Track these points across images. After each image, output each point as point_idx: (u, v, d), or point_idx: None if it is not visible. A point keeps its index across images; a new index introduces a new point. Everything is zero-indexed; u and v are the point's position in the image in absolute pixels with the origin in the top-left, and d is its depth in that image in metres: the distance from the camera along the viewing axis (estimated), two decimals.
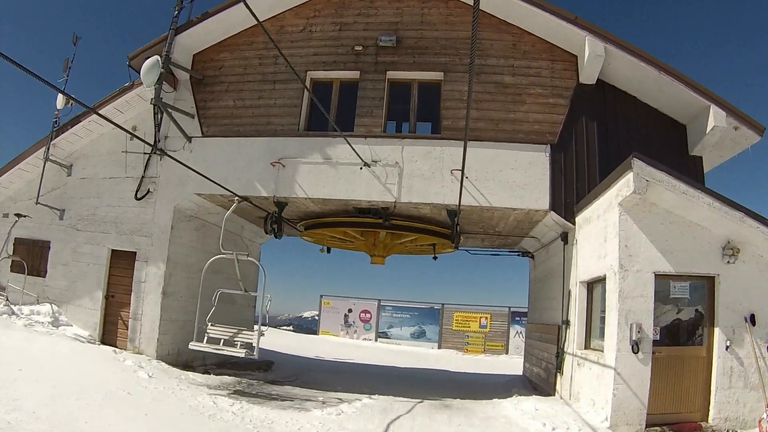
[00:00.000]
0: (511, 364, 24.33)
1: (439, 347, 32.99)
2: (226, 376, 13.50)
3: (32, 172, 15.98)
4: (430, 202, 12.88)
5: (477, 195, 12.57)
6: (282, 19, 14.67)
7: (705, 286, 9.79)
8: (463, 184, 11.59)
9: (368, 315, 35.01)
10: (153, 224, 14.33)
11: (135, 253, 14.43)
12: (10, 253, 15.89)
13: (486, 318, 32.96)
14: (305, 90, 13.55)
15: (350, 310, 35.32)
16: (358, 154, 12.63)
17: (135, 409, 8.37)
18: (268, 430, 8.64)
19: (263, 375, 15.18)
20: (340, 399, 11.67)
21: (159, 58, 13.20)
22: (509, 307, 32.92)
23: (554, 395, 12.78)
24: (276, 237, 14.41)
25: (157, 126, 14.02)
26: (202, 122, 14.41)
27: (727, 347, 9.36)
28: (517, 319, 31.85)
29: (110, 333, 14.49)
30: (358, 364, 21.75)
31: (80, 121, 15.28)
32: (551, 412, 10.39)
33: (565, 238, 13.12)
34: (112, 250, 14.77)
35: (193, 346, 11.35)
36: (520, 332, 30.68)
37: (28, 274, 15.44)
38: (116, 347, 13.83)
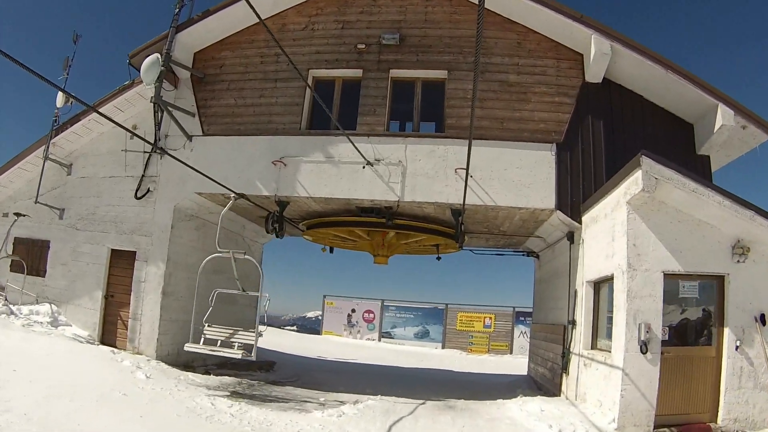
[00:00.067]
0: (516, 364, 24.15)
1: (443, 347, 32.86)
2: (226, 377, 13.34)
3: (32, 171, 15.91)
4: (434, 202, 12.72)
5: (482, 194, 12.43)
6: (284, 17, 14.54)
7: (714, 285, 9.64)
8: (468, 183, 11.41)
9: (371, 315, 34.90)
10: (153, 224, 14.22)
11: (135, 252, 14.31)
12: (10, 252, 15.82)
13: (490, 318, 32.81)
14: (307, 88, 13.43)
15: (353, 310, 35.21)
16: (360, 153, 12.49)
17: (131, 410, 8.22)
18: None
19: (264, 375, 15.03)
20: (342, 400, 11.51)
21: (159, 56, 13.12)
22: (513, 307, 32.82)
23: (560, 396, 12.63)
24: (277, 237, 14.29)
25: (158, 125, 13.92)
26: (203, 121, 14.29)
27: (737, 347, 9.22)
28: (522, 319, 31.70)
29: (110, 333, 14.38)
30: (360, 365, 21.63)
31: (80, 120, 15.20)
32: (557, 413, 10.23)
33: (571, 237, 12.98)
34: (112, 250, 14.67)
35: (189, 347, 11.10)
36: (525, 332, 30.53)
37: (27, 274, 15.35)
38: (116, 347, 13.72)
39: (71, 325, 14.37)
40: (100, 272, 14.62)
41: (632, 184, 9.36)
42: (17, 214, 15.61)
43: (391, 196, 12.78)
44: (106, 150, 15.23)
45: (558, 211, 12.43)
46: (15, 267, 15.71)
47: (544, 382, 14.81)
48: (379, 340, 34.07)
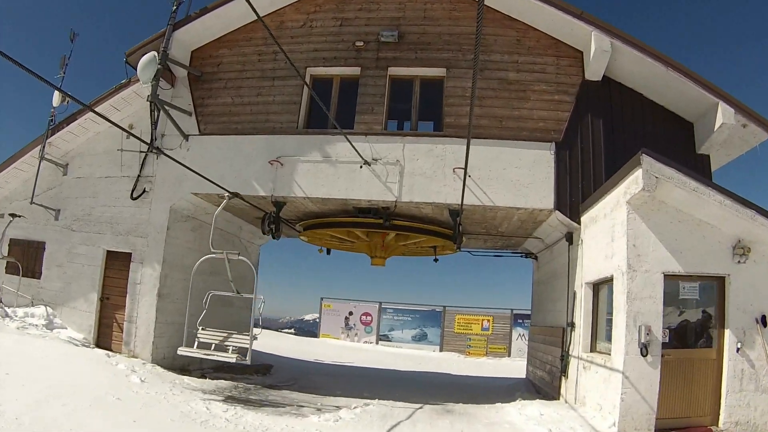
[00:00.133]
0: (514, 367, 24.04)
1: (441, 350, 32.78)
2: (222, 381, 13.21)
3: (28, 171, 15.75)
4: (431, 202, 12.61)
5: (480, 194, 12.31)
6: (282, 14, 14.44)
7: (715, 286, 9.52)
8: (466, 182, 11.25)
9: (369, 318, 34.78)
10: (149, 224, 14.09)
11: (130, 254, 14.16)
12: (5, 254, 15.64)
13: (488, 320, 32.72)
14: (305, 86, 13.31)
15: (351, 313, 35.10)
16: (358, 152, 12.37)
17: (124, 415, 8.09)
18: None
19: (261, 379, 14.92)
20: (339, 404, 11.38)
21: (156, 54, 12.97)
22: (512, 310, 32.69)
23: (559, 399, 12.50)
24: (274, 238, 14.15)
25: (154, 124, 13.81)
26: (200, 120, 14.17)
27: (738, 349, 9.10)
28: (520, 321, 31.62)
29: (105, 336, 14.23)
30: (358, 368, 21.54)
31: (76, 119, 15.06)
32: (556, 417, 10.11)
33: (570, 238, 12.87)
34: (108, 251, 14.54)
35: (182, 351, 10.88)
36: (523, 335, 30.46)
37: (22, 276, 15.23)
38: (111, 350, 13.58)
39: (66, 328, 14.22)
40: (95, 274, 14.48)
41: (632, 183, 9.23)
42: (12, 215, 15.42)
43: (389, 196, 12.66)
44: (103, 150, 15.09)
45: (557, 212, 12.31)
46: (10, 269, 15.56)
47: (542, 385, 14.68)
48: (377, 343, 33.95)
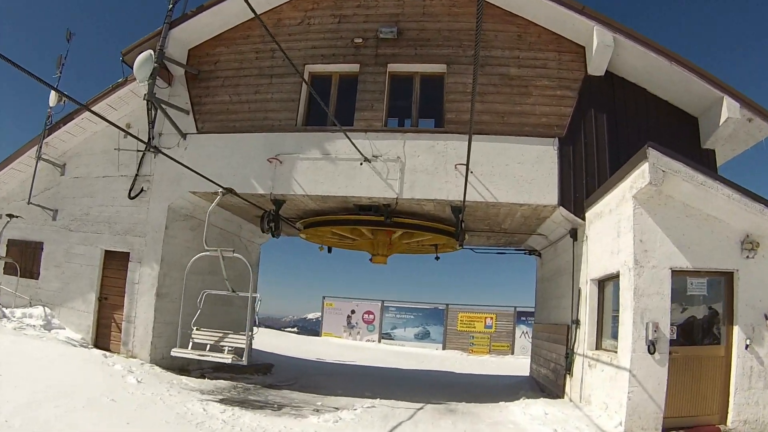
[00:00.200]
0: (517, 364, 23.92)
1: (444, 348, 32.65)
2: (221, 381, 13.07)
3: (25, 171, 15.70)
4: (433, 199, 12.46)
5: (482, 190, 12.16)
6: (279, 11, 14.29)
7: (723, 282, 9.34)
8: (468, 179, 11.14)
9: (371, 316, 34.67)
10: (147, 224, 13.96)
11: (128, 253, 14.04)
12: (3, 254, 15.60)
13: (491, 318, 32.59)
14: (303, 84, 13.18)
15: (353, 312, 34.99)
16: (357, 149, 12.23)
17: (117, 416, 7.94)
18: None
19: (261, 379, 14.79)
20: (340, 404, 11.23)
21: (152, 52, 12.86)
22: (515, 307, 32.57)
23: (563, 398, 12.36)
24: (273, 236, 14.01)
25: (151, 123, 13.69)
26: (197, 118, 14.02)
27: (746, 346, 8.91)
28: (523, 319, 31.48)
29: (103, 336, 14.12)
30: (360, 367, 21.43)
31: (73, 119, 15.00)
32: (561, 416, 9.95)
33: (574, 234, 12.69)
34: (106, 251, 14.43)
35: (176, 353, 10.64)
36: (526, 332, 30.33)
37: (20, 276, 15.16)
38: (110, 351, 13.49)
39: (65, 328, 14.14)
40: (93, 274, 14.38)
41: (638, 177, 9.06)
42: (10, 216, 15.36)
43: (390, 193, 12.51)
44: (100, 149, 14.98)
45: (561, 207, 12.15)
46: (8, 269, 15.48)
47: (546, 383, 14.55)
48: (379, 342, 33.86)
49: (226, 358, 10.20)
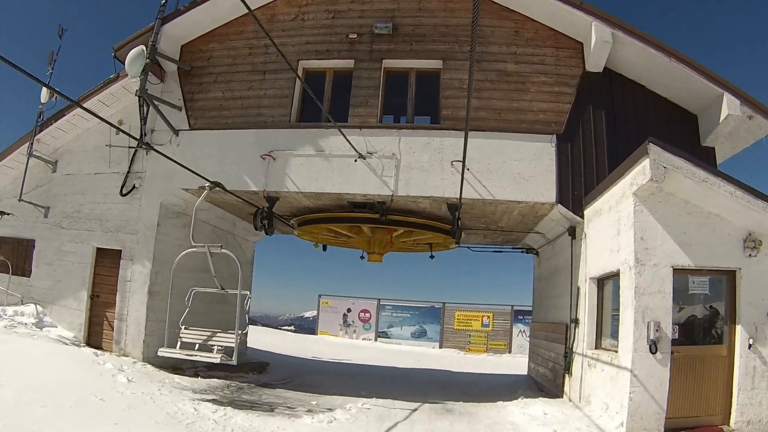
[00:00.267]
0: (515, 363, 23.85)
1: (441, 347, 32.65)
2: (215, 379, 12.91)
3: (17, 168, 15.59)
4: (429, 196, 12.30)
5: (479, 187, 12.00)
6: (273, 7, 14.11)
7: (725, 281, 9.22)
8: (465, 176, 11.04)
9: (368, 314, 34.60)
10: (138, 221, 13.82)
11: (120, 251, 13.89)
12: None
13: (488, 317, 32.55)
14: (297, 80, 12.98)
15: (349, 310, 34.93)
16: (352, 145, 12.06)
17: (105, 417, 7.77)
18: None
19: (256, 377, 14.64)
20: (335, 403, 11.10)
21: (144, 47, 12.68)
22: (512, 306, 32.58)
23: (562, 397, 12.24)
24: (267, 233, 13.83)
25: (143, 119, 13.55)
26: (190, 114, 13.84)
27: (749, 346, 8.80)
28: (520, 317, 31.47)
29: (96, 334, 14.01)
30: (356, 365, 21.30)
31: (64, 116, 14.88)
32: (561, 417, 9.81)
33: (572, 232, 12.58)
34: (97, 249, 14.31)
35: (163, 353, 10.28)
36: (524, 331, 30.33)
37: (12, 274, 15.11)
38: (102, 349, 13.38)
39: (56, 326, 14.02)
40: (85, 272, 14.27)
41: (639, 173, 8.91)
42: (1, 213, 15.37)
43: (385, 191, 12.35)
44: (92, 146, 14.84)
45: (559, 205, 12.00)
46: (0, 267, 15.35)
47: (545, 382, 14.43)
48: (376, 340, 33.84)
49: (215, 358, 9.86)
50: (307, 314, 64.45)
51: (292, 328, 43.61)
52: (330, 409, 10.46)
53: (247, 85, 13.74)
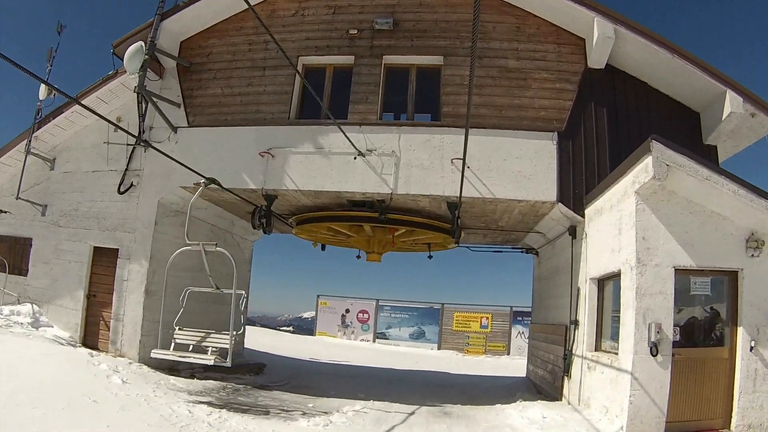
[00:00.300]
0: (514, 365, 23.75)
1: (439, 348, 32.51)
2: (211, 381, 12.78)
3: (14, 166, 15.46)
4: (428, 194, 12.17)
5: (479, 186, 11.87)
6: (273, 2, 14.00)
7: (726, 281, 9.08)
8: (465, 174, 10.96)
9: (366, 315, 34.48)
10: (136, 219, 13.69)
11: (117, 250, 13.78)
12: None
13: (487, 318, 32.41)
14: (297, 76, 12.92)
15: (347, 311, 34.81)
16: (351, 143, 11.92)
17: (97, 418, 7.62)
18: None
19: (252, 379, 14.49)
20: (332, 406, 10.97)
21: (143, 44, 12.60)
22: (511, 307, 32.42)
23: (561, 400, 12.10)
24: (265, 232, 13.74)
25: (142, 116, 13.43)
26: (188, 111, 13.73)
27: (751, 348, 8.66)
28: (519, 318, 31.33)
29: (92, 334, 13.87)
30: (354, 367, 21.19)
31: (63, 112, 14.74)
32: (560, 420, 9.68)
33: (573, 232, 12.42)
34: (94, 247, 14.18)
35: (156, 354, 10.16)
36: (523, 332, 30.18)
37: (9, 273, 14.97)
38: (98, 349, 13.24)
39: (53, 326, 13.90)
40: (82, 271, 14.13)
41: (641, 171, 8.77)
42: None
43: (384, 189, 12.22)
44: (90, 143, 14.73)
45: (559, 204, 11.87)
46: None
47: (544, 385, 14.30)
48: (374, 341, 33.71)
49: (209, 360, 9.69)
50: (306, 315, 64.43)
51: (290, 328, 43.63)
52: (326, 412, 10.33)
53: (246, 81, 13.62)
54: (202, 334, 10.43)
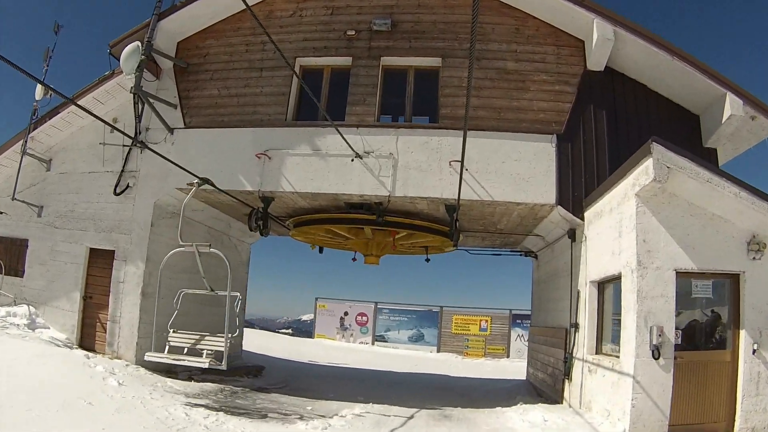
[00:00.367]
0: (513, 368, 23.61)
1: (438, 351, 32.30)
2: (209, 383, 12.69)
3: (10, 167, 15.31)
4: (426, 197, 12.10)
5: (478, 188, 11.81)
6: (271, 3, 13.93)
7: (728, 284, 9.03)
8: (463, 176, 10.90)
9: (365, 318, 34.30)
10: (132, 221, 13.61)
11: (113, 251, 13.70)
12: None
13: (486, 321, 32.29)
14: (294, 77, 12.84)
15: (346, 313, 34.61)
16: (349, 145, 11.86)
17: (92, 422, 7.54)
18: None
19: (251, 382, 14.39)
20: (331, 409, 10.90)
21: (140, 44, 12.54)
22: (510, 310, 32.27)
23: (562, 403, 12.04)
24: (262, 235, 13.70)
25: (138, 117, 13.31)
26: (185, 112, 13.66)
27: (753, 351, 8.60)
28: (519, 321, 31.23)
29: (89, 336, 13.77)
30: (353, 369, 21.08)
31: (59, 113, 14.66)
32: (562, 424, 9.61)
33: (572, 235, 12.38)
34: (91, 249, 14.09)
35: (150, 357, 10.12)
36: (522, 335, 30.10)
37: (5, 274, 14.82)
38: (94, 351, 13.14)
39: (49, 328, 13.79)
40: (78, 272, 14.05)
41: (642, 174, 8.72)
42: None
43: (382, 191, 12.15)
44: (86, 144, 14.65)
45: (559, 207, 11.81)
46: None
47: (544, 388, 14.23)
48: (373, 344, 33.51)
49: (204, 363, 9.60)
50: (305, 317, 64.37)
51: (289, 331, 43.44)
52: (325, 416, 10.25)
53: (243, 82, 13.55)
54: (197, 337, 10.33)
